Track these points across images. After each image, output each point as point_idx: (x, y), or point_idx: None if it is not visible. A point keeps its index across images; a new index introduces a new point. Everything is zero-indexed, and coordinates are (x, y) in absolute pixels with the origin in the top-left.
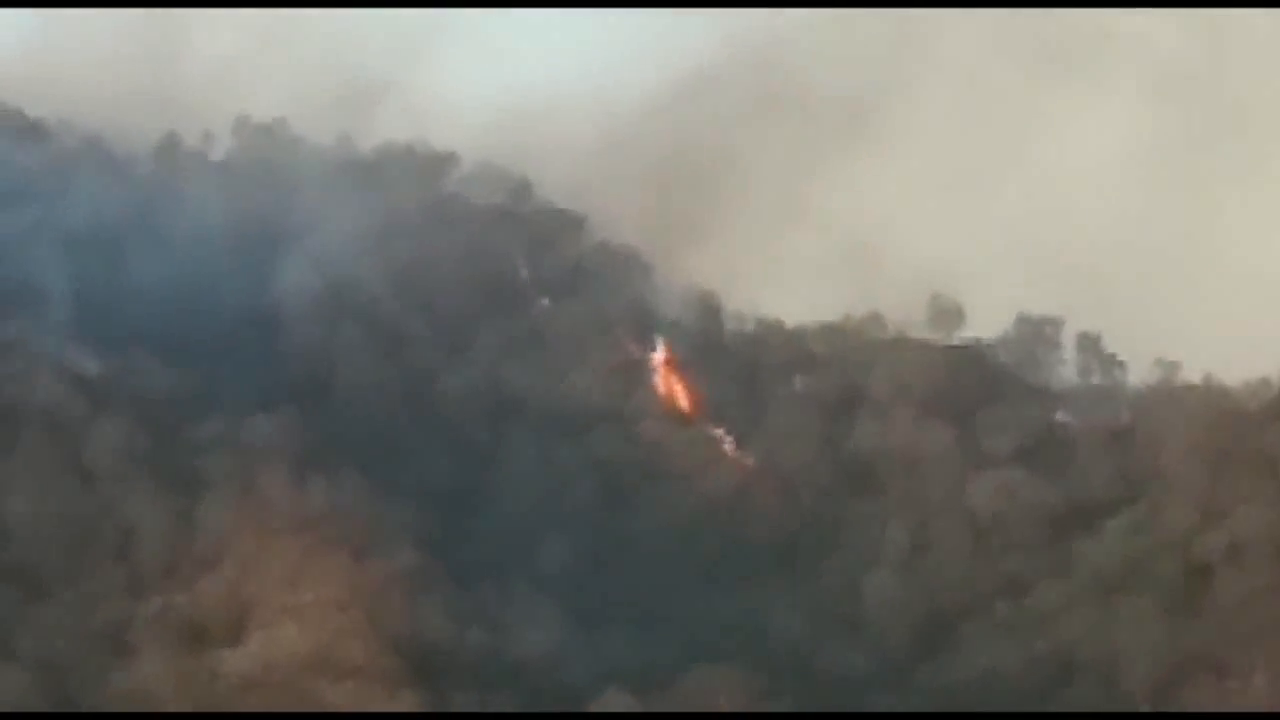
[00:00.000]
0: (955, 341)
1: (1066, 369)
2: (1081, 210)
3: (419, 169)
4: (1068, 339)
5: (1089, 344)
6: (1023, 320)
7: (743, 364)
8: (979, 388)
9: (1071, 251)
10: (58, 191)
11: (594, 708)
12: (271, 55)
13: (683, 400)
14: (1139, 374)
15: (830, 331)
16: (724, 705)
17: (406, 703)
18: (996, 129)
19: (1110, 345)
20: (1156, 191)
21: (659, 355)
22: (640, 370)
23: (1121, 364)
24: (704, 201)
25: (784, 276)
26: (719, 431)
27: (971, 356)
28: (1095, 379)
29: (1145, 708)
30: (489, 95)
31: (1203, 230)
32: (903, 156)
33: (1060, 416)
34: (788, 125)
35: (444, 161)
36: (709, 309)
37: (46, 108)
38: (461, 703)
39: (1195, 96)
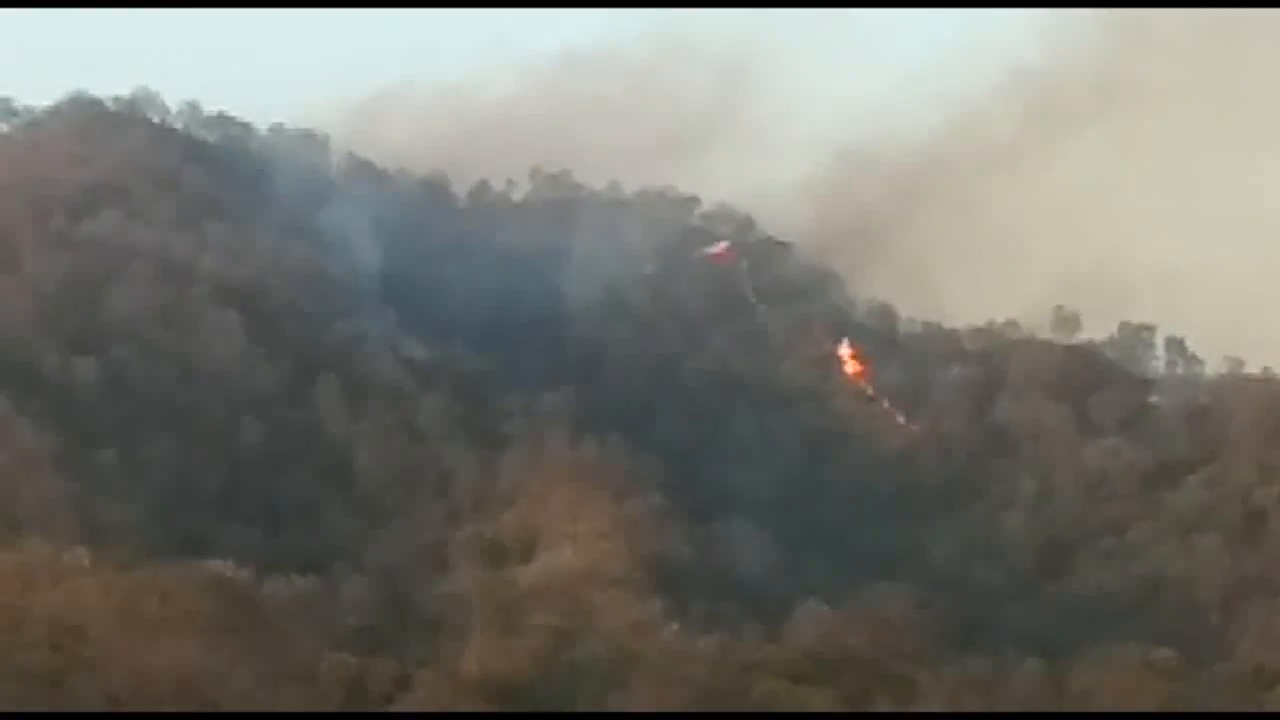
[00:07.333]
0: (1073, 341)
1: (1158, 363)
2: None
3: (669, 207)
4: (1159, 341)
5: (1174, 345)
6: (1124, 326)
7: (911, 356)
8: (1090, 376)
9: (1185, 278)
10: (396, 222)
11: (795, 614)
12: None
13: (866, 382)
14: (1212, 367)
15: (978, 332)
16: (894, 614)
17: (653, 607)
18: (1188, 165)
19: (1190, 346)
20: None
21: (848, 349)
22: (834, 360)
23: (1200, 360)
24: (888, 232)
25: (946, 288)
26: (892, 406)
27: (1085, 353)
28: (1179, 370)
29: (1215, 619)
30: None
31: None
32: (1093, 164)
33: (1152, 399)
34: (985, 136)
35: (688, 202)
36: (886, 314)
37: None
38: (695, 607)
39: None
